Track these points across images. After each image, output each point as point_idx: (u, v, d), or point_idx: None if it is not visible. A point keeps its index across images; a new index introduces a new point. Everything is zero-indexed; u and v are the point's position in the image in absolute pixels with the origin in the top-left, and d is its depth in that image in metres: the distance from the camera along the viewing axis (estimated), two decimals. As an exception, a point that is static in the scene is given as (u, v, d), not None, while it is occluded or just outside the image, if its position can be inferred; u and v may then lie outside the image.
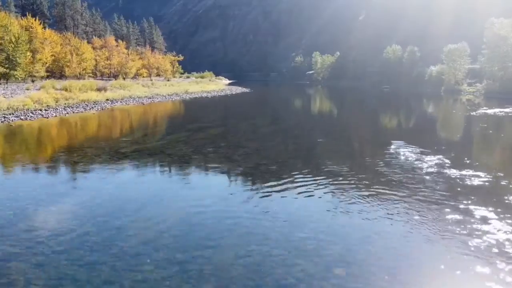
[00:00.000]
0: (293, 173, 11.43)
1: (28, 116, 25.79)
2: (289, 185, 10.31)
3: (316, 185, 10.26)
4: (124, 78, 74.74)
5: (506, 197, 9.13)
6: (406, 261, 6.33)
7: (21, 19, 62.07)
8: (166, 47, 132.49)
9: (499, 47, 55.94)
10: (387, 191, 9.59)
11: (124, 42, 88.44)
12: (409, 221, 7.82)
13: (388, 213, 8.26)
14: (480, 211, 8.21)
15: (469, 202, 8.78)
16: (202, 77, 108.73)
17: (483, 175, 10.83)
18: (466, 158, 13.37)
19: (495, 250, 6.52)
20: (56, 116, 27.23)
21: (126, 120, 27.43)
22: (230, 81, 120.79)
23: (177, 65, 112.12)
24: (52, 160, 13.84)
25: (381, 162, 12.58)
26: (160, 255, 6.42)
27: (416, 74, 77.56)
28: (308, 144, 16.45)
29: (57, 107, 31.37)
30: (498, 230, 7.27)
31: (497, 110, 32.48)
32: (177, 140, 17.58)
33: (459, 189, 9.79)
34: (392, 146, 15.38)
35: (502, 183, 10.35)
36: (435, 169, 11.56)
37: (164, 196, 9.54)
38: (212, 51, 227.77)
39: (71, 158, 13.88)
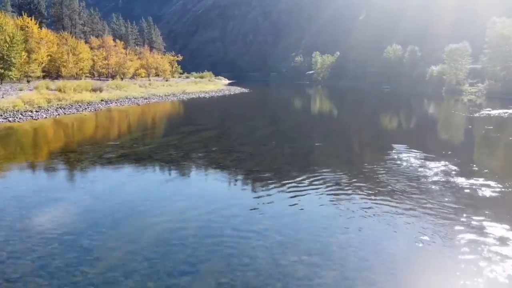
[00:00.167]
0: (287, 182, 10.57)
1: (17, 117, 24.93)
2: (282, 197, 9.45)
3: (311, 197, 9.40)
4: (122, 78, 73.95)
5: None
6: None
7: (17, 18, 61.28)
8: (166, 47, 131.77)
9: (501, 46, 55.09)
10: (389, 204, 8.72)
11: (122, 42, 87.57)
12: (415, 241, 6.95)
13: (391, 231, 7.40)
14: (495, 229, 7.31)
15: (482, 217, 7.89)
16: (201, 77, 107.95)
17: (494, 185, 9.95)
18: (473, 165, 12.46)
19: (515, 277, 5.67)
20: (46, 117, 26.39)
21: (117, 122, 26.56)
22: (230, 81, 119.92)
23: (176, 65, 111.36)
24: (27, 166, 12.96)
25: (382, 169, 11.71)
26: (129, 283, 5.56)
27: (416, 74, 76.67)
28: (305, 149, 15.57)
29: (48, 108, 30.53)
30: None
31: (501, 111, 31.59)
32: (168, 143, 16.72)
33: (469, 201, 8.91)
34: (394, 151, 14.53)
35: (514, 193, 9.51)
36: (441, 177, 10.68)
37: (143, 208, 8.66)
38: (212, 51, 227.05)
39: (49, 164, 13.03)
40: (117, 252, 6.55)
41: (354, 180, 10.73)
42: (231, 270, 5.93)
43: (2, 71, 45.51)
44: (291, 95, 68.50)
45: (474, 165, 12.33)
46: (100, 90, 44.35)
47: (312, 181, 10.70)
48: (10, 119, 24.29)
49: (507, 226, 7.45)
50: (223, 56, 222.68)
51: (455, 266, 6.04)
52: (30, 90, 38.29)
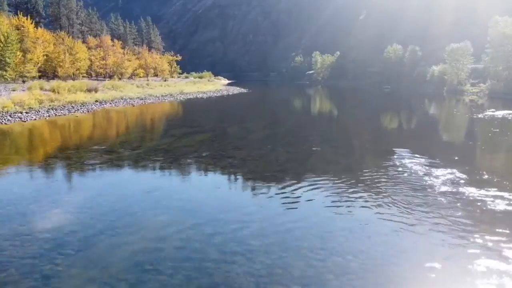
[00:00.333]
0: (279, 192, 9.68)
1: (4, 119, 24.04)
2: (272, 210, 8.56)
3: (304, 211, 8.50)
4: (120, 79, 73.10)
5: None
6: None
7: (12, 17, 60.42)
8: (166, 47, 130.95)
9: (504, 46, 54.25)
10: (393, 220, 7.83)
11: (121, 42, 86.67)
12: (424, 268, 6.08)
13: (395, 254, 6.53)
14: (512, 251, 6.46)
15: (499, 237, 6.99)
16: (200, 77, 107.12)
17: (509, 196, 9.04)
18: (483, 172, 11.47)
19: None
20: (35, 119, 25.52)
21: (107, 124, 25.65)
22: (229, 81, 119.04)
23: (175, 65, 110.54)
24: (5, 172, 12.09)
25: (384, 178, 10.81)
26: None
27: (417, 74, 75.81)
28: (302, 154, 14.66)
29: (40, 109, 29.66)
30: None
31: (505, 112, 30.68)
32: (157, 148, 15.83)
33: (482, 216, 7.99)
34: (396, 156, 13.63)
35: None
36: (449, 188, 9.76)
37: (118, 224, 7.76)
38: (212, 51, 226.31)
39: (30, 169, 12.17)
40: (77, 279, 5.67)
41: (353, 191, 9.84)
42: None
43: (-3, 71, 44.74)
44: (290, 95, 67.59)
45: (484, 173, 11.35)
46: (96, 90, 43.50)
47: (307, 191, 9.83)
48: (-2, 121, 23.44)
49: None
50: (222, 56, 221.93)
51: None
52: (23, 90, 37.44)
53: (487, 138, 19.14)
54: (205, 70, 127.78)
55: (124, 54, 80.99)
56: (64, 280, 5.67)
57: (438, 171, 11.25)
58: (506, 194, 9.14)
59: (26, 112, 27.70)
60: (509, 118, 26.92)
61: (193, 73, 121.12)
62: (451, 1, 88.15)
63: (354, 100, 56.89)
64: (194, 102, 46.01)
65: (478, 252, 6.45)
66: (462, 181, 10.29)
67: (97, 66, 73.57)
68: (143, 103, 41.32)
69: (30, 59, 52.69)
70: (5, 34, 45.70)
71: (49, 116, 27.28)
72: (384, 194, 9.41)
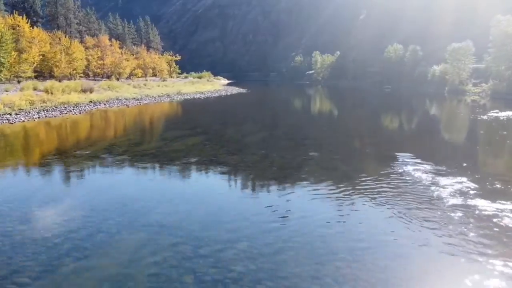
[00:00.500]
0: (271, 205, 8.76)
1: (-9, 121, 23.24)
2: (262, 228, 7.65)
3: (297, 229, 7.58)
4: (118, 79, 72.30)
5: None
6: None
7: (7, 17, 59.55)
8: (165, 47, 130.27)
9: (506, 45, 53.38)
10: (398, 239, 6.96)
11: (119, 42, 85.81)
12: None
13: (402, 281, 5.65)
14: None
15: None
16: (199, 77, 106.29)
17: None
18: (496, 182, 10.42)
19: None
20: (24, 121, 24.67)
21: (97, 126, 24.71)
22: (229, 81, 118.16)
23: (175, 65, 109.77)
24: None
25: (387, 188, 9.91)
26: None
27: (418, 74, 74.90)
28: (298, 159, 13.73)
29: (30, 110, 28.82)
30: None
31: (509, 113, 29.77)
32: (144, 152, 14.93)
33: (499, 235, 7.10)
34: (399, 162, 12.73)
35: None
36: (459, 200, 8.83)
37: (87, 245, 6.85)
38: (212, 51, 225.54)
39: (3, 177, 11.29)
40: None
41: (352, 203, 8.95)
42: None
43: (-10, 71, 43.90)
44: (290, 95, 66.67)
45: (496, 182, 10.32)
46: (91, 91, 42.66)
47: (301, 204, 8.95)
48: (-17, 123, 22.61)
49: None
50: (222, 56, 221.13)
51: None
52: (15, 91, 36.59)
53: (495, 142, 18.04)
54: (204, 70, 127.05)
55: (122, 54, 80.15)
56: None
57: (446, 180, 10.32)
58: (523, 209, 8.23)
59: (16, 114, 26.88)
60: (514, 119, 26.00)
61: (193, 73, 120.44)
62: (451, 1, 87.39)
63: (354, 100, 55.97)
64: (191, 102, 45.12)
65: (496, 280, 5.56)
66: (473, 192, 9.37)
67: (94, 66, 72.75)
68: (139, 103, 40.45)
69: (25, 59, 51.86)
70: (0, 34, 44.83)
71: (38, 117, 26.43)
72: (387, 208, 8.53)
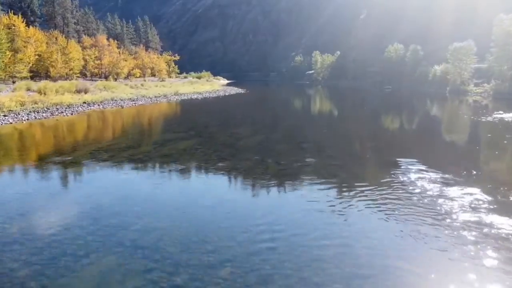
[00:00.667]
0: (260, 222, 7.89)
1: (-22, 123, 22.41)
2: (251, 249, 6.80)
3: (288, 249, 6.75)
4: (115, 79, 71.44)
5: None
6: None
7: (3, 16, 58.72)
8: (165, 47, 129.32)
9: (509, 45, 52.50)
10: (402, 266, 6.10)
11: (117, 42, 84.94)
12: None
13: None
14: None
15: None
16: (199, 77, 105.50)
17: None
18: (511, 193, 9.49)
19: None
20: (12, 123, 23.85)
21: (86, 128, 23.82)
22: (229, 81, 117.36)
23: (173, 65, 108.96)
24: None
25: (389, 199, 9.05)
26: None
27: (419, 74, 74.00)
28: (294, 165, 12.87)
29: (20, 112, 28.00)
30: None
31: (514, 114, 28.86)
32: (132, 158, 14.04)
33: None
34: (402, 169, 11.86)
35: None
36: (471, 215, 7.90)
37: (48, 272, 6.03)
38: (212, 50, 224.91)
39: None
40: None
41: (351, 218, 8.10)
42: None
43: (-16, 71, 43.12)
44: (289, 95, 65.78)
45: (510, 194, 9.50)
46: (86, 91, 41.83)
47: (296, 217, 8.10)
48: (-32, 125, 21.77)
49: None
50: (222, 56, 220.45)
51: None
52: (8, 91, 35.77)
53: (504, 147, 16.94)
54: (204, 70, 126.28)
55: (120, 54, 79.27)
56: None
57: (454, 191, 9.42)
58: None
59: (4, 115, 26.07)
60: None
61: (192, 73, 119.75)
62: (452, 1, 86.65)
63: (354, 100, 55.08)
64: (188, 103, 44.26)
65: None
66: (485, 206, 8.44)
67: (92, 66, 71.89)
68: (134, 104, 39.59)
69: (21, 59, 51.10)
70: (-6, 34, 44.09)
71: (28, 119, 25.58)
72: (391, 222, 7.67)
